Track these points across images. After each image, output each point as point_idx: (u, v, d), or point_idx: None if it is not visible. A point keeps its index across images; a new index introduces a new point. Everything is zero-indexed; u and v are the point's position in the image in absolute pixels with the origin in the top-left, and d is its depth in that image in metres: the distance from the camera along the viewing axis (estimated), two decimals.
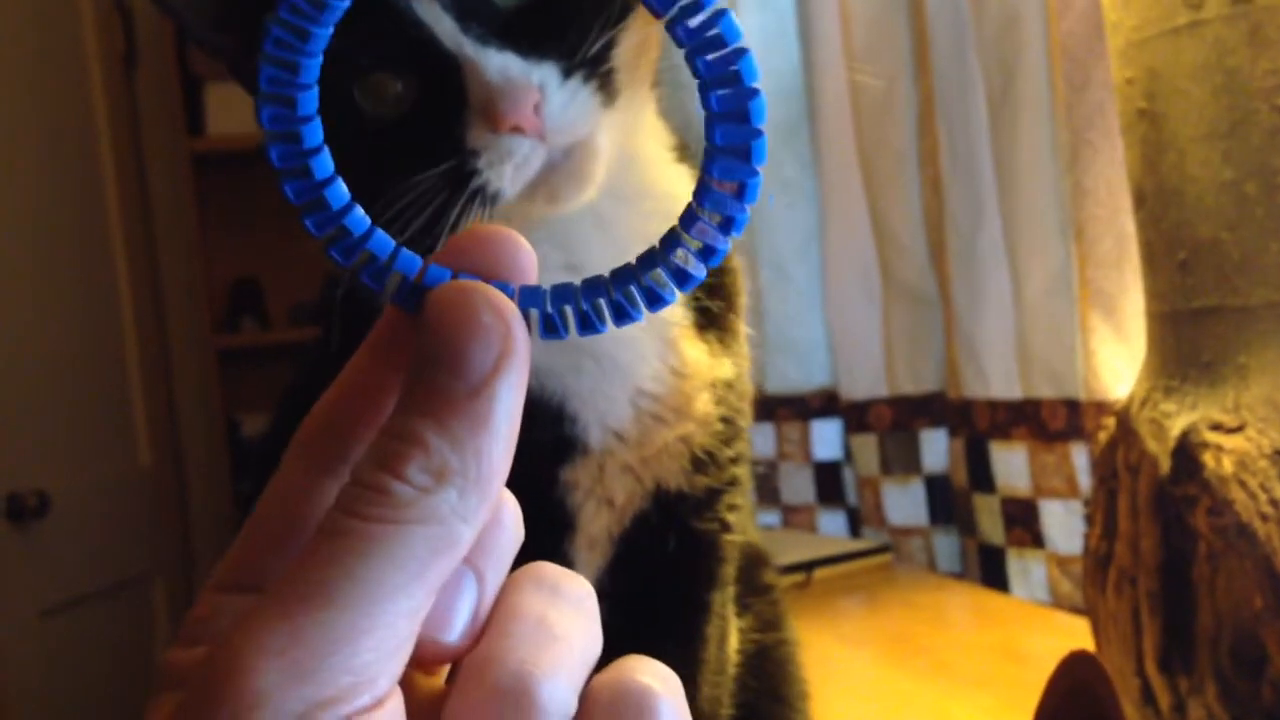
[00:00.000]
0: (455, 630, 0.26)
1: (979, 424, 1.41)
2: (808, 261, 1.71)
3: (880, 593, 1.40)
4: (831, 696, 0.79)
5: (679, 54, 0.26)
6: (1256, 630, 0.61)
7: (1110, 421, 0.76)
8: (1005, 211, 1.34)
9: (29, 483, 1.81)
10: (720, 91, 0.25)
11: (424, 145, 0.48)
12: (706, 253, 0.26)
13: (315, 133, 0.27)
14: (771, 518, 1.73)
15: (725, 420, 0.56)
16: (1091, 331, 1.23)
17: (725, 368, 0.57)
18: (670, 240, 0.27)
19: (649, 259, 0.27)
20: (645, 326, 0.53)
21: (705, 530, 0.58)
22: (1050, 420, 1.31)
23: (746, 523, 0.73)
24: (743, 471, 0.60)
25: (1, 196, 1.86)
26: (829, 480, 1.72)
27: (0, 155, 1.86)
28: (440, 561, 0.24)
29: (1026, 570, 1.35)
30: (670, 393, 0.54)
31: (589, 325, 0.26)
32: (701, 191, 0.26)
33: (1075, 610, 1.20)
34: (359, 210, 0.27)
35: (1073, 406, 1.27)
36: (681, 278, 0.26)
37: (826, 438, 1.72)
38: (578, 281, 0.27)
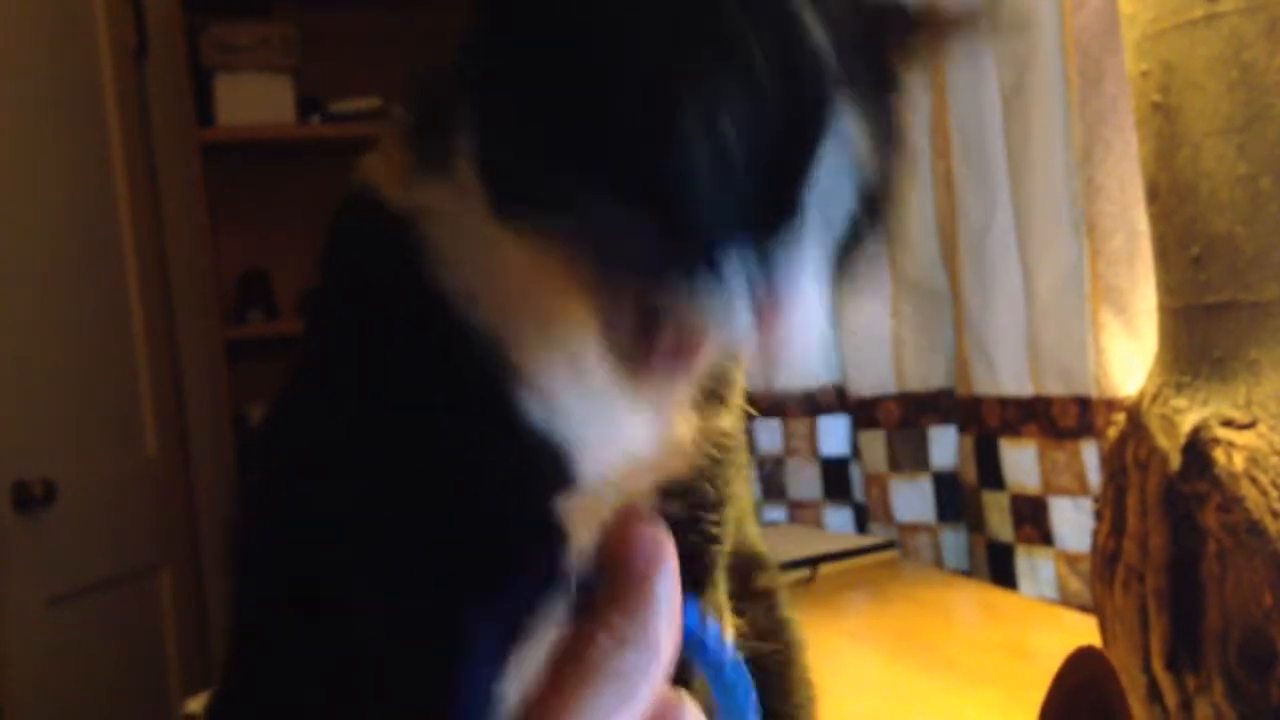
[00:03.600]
0: None
1: (989, 421, 1.41)
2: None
3: (886, 589, 1.39)
4: (837, 692, 0.78)
5: None
6: (1265, 628, 0.61)
7: (1120, 417, 0.75)
8: (1017, 207, 1.33)
9: (36, 471, 1.81)
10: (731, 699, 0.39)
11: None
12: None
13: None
14: (778, 513, 1.73)
15: (713, 460, 0.58)
16: (1103, 328, 1.22)
17: (721, 419, 0.58)
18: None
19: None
20: (645, 401, 0.56)
21: (689, 543, 0.59)
22: (1061, 417, 1.30)
23: (747, 526, 0.74)
24: (733, 489, 0.61)
25: (11, 187, 1.86)
26: (836, 476, 1.71)
27: (11, 146, 1.86)
28: (624, 709, 0.33)
29: (1035, 568, 1.34)
30: (656, 453, 0.56)
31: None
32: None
33: (1084, 608, 1.20)
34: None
35: (1083, 404, 1.27)
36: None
37: (834, 434, 1.71)
38: None
